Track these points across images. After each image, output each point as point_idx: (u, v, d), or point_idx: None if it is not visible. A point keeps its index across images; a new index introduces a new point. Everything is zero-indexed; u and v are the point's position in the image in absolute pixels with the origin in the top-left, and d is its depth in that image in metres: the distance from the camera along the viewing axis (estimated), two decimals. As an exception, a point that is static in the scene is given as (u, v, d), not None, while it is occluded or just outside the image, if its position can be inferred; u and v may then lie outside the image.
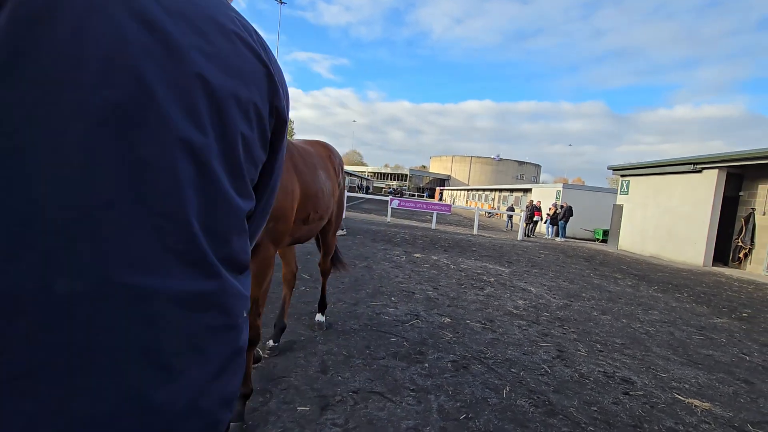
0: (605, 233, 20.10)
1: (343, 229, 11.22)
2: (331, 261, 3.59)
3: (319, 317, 3.62)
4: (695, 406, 3.00)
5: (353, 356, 3.12)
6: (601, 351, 3.98)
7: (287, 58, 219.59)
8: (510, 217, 23.63)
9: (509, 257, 10.37)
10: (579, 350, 3.91)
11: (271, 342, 3.00)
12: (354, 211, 20.76)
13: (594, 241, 20.96)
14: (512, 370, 3.23)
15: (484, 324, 4.36)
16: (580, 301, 6.14)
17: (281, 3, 34.67)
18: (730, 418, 2.88)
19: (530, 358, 3.54)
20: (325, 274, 3.60)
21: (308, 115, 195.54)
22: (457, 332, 3.98)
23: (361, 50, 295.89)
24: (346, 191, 10.02)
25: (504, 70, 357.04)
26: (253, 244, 1.80)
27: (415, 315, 4.37)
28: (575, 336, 4.36)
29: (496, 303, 5.34)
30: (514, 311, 5.05)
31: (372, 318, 4.09)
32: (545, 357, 3.61)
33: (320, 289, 3.65)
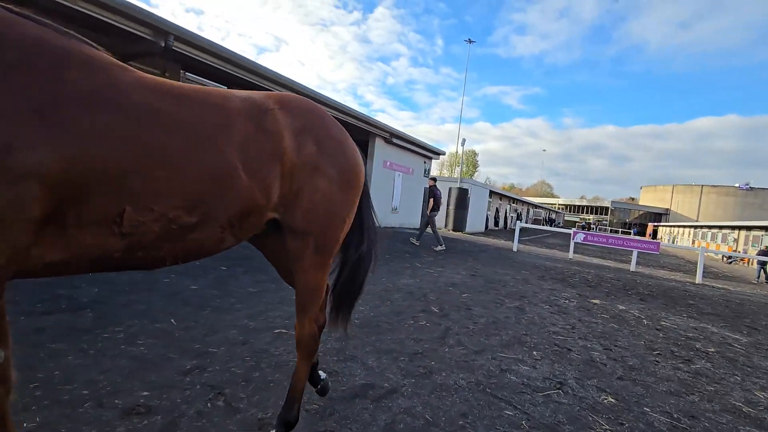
0: None
1: (441, 245, 10.87)
2: (322, 320, 2.10)
3: None
4: None
5: (437, 425, 2.30)
6: None
7: (477, 94, 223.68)
8: (763, 264, 16.98)
9: (753, 320, 7.12)
10: None
11: (321, 373, 2.43)
12: (534, 245, 18.75)
13: None
14: None
15: (677, 420, 2.78)
16: None
17: (469, 42, 37.13)
18: None
19: (763, 508, 1.96)
20: (300, 345, 1.91)
21: (495, 148, 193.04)
22: (621, 423, 2.61)
23: (555, 77, 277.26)
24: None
25: (755, 76, 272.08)
26: None
27: (560, 382, 3.15)
28: None
29: (709, 388, 3.47)
30: (744, 408, 3.13)
31: (492, 375, 3.12)
32: None
33: (296, 371, 1.96)
